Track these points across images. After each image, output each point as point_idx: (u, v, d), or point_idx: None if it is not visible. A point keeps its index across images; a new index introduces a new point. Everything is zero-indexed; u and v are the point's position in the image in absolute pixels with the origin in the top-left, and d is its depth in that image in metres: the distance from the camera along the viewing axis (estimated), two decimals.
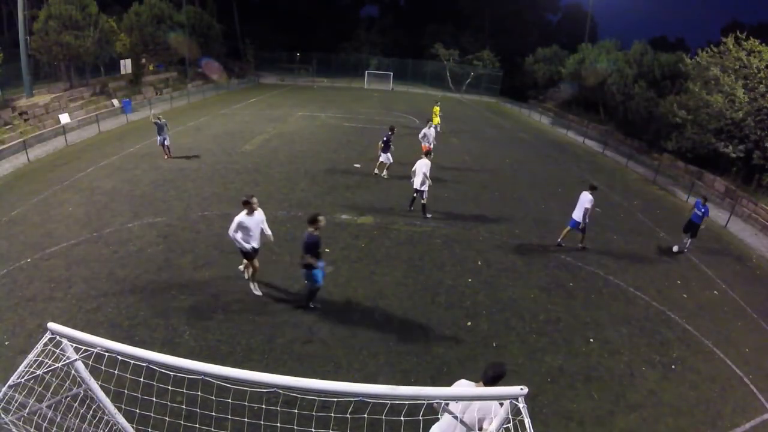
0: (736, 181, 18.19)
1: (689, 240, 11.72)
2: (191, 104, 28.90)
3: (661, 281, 10.32)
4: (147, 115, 23.82)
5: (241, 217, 7.60)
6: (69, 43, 22.37)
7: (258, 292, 8.31)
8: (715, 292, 10.23)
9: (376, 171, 15.69)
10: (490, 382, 3.91)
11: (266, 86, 40.62)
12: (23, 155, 15.94)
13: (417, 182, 11.73)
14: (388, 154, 15.16)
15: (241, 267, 8.75)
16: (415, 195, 12.21)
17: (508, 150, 22.14)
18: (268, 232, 8.06)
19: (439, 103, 23.92)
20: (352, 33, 54.28)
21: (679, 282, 10.40)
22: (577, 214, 10.76)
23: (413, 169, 11.90)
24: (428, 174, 11.71)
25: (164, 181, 13.98)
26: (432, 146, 16.81)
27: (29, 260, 9.03)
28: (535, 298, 9.01)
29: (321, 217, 7.21)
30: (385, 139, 14.98)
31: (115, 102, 25.24)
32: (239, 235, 7.62)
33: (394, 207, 12.98)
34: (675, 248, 11.87)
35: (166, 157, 16.06)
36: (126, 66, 29.49)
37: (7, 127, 18.46)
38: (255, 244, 7.83)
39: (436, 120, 23.16)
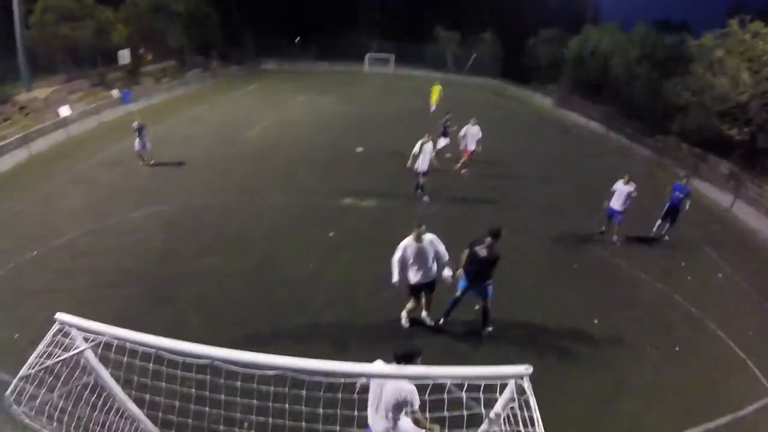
0: (741, 164, 18.02)
1: (668, 225, 11.04)
2: (191, 93, 28.66)
3: (666, 264, 10.30)
4: (147, 104, 23.74)
5: (406, 242, 6.52)
6: (66, 35, 22.19)
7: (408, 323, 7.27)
8: (720, 275, 10.21)
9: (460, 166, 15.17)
10: (402, 361, 4.03)
11: (266, 72, 40.21)
12: (25, 149, 15.92)
13: (420, 165, 11.84)
14: (447, 139, 15.54)
15: (404, 318, 7.22)
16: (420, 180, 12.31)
17: (510, 132, 21.89)
18: (446, 273, 6.64)
19: (438, 82, 23.53)
20: (353, 17, 53.55)
21: (683, 264, 10.37)
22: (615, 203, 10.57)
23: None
24: (425, 158, 11.71)
25: (166, 170, 13.97)
26: (475, 150, 14.72)
27: (35, 253, 9.08)
28: (539, 281, 9.02)
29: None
30: (443, 121, 15.17)
31: (115, 93, 25.10)
32: (399, 268, 6.50)
33: (397, 190, 12.94)
34: (653, 232, 11.24)
35: (141, 163, 14.11)
36: (124, 56, 29.26)
37: (8, 122, 18.42)
38: (421, 278, 6.67)
39: (434, 98, 22.71)
